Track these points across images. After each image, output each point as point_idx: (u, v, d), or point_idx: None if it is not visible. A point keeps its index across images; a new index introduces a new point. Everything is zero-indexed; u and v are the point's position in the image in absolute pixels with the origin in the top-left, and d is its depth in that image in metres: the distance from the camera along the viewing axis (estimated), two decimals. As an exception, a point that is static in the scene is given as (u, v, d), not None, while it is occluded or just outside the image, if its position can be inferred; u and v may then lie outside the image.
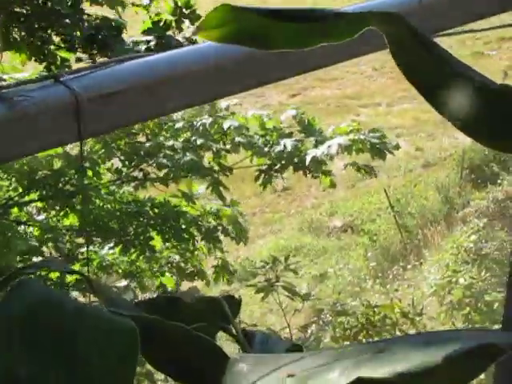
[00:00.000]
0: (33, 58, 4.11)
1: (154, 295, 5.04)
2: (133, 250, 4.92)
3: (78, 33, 3.89)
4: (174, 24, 5.20)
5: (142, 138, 5.32)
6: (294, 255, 8.43)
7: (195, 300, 0.75)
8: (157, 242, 5.04)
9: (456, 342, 0.49)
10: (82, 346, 0.55)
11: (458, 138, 9.93)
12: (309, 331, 6.30)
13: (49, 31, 3.93)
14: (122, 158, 5.12)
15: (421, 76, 0.55)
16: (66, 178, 4.75)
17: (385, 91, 11.74)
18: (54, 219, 4.89)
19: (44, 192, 4.72)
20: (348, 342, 5.34)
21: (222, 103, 5.39)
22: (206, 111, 5.25)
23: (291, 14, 0.51)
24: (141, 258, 5.04)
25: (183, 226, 5.05)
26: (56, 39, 4.09)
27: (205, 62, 0.91)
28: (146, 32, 5.27)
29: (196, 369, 0.62)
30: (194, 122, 5.17)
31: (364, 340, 5.24)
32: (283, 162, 5.18)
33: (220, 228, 5.26)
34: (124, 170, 5.16)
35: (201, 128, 5.10)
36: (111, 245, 4.93)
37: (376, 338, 5.29)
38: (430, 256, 7.83)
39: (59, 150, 4.75)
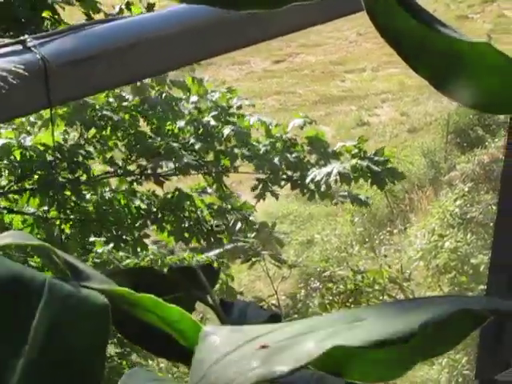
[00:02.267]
0: None
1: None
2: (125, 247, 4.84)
3: None
4: None
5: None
6: (281, 222, 8.45)
7: (170, 270, 0.73)
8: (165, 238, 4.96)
9: (435, 308, 0.48)
10: (50, 324, 0.53)
11: (443, 102, 9.92)
12: (297, 298, 6.32)
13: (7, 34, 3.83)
14: (122, 149, 5.05)
15: (401, 37, 0.53)
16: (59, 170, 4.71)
17: (370, 56, 11.69)
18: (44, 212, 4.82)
19: (35, 184, 4.67)
20: (336, 309, 5.37)
21: (235, 101, 5.24)
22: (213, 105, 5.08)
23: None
24: (146, 259, 4.94)
25: (186, 225, 4.95)
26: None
27: (176, 25, 0.89)
28: None
29: (169, 341, 0.61)
30: (198, 124, 5.03)
31: (353, 306, 5.27)
32: (283, 177, 5.09)
33: (223, 227, 5.12)
34: (121, 163, 5.07)
35: (201, 129, 4.99)
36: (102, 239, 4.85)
37: (364, 305, 5.32)
38: (417, 220, 7.86)
39: (50, 140, 4.72)
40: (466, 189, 7.34)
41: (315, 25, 0.96)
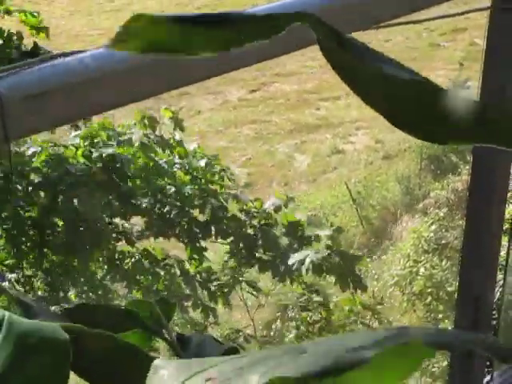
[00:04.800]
0: None
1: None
2: None
3: None
4: None
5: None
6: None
7: (127, 304, 0.73)
8: None
9: (384, 341, 0.48)
10: (10, 359, 0.53)
11: (417, 129, 9.98)
12: (273, 327, 6.29)
13: None
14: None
15: (343, 71, 0.56)
16: None
17: (344, 85, 11.73)
18: None
19: None
20: (312, 338, 5.35)
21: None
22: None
23: (209, 20, 0.50)
24: None
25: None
26: None
27: (133, 59, 0.89)
28: None
29: (122, 377, 0.60)
30: None
31: (330, 335, 5.26)
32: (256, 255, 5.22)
33: None
34: None
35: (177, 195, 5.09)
36: None
37: (340, 333, 5.30)
38: (393, 247, 7.88)
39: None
40: (441, 214, 7.39)
41: (263, 61, 0.96)
